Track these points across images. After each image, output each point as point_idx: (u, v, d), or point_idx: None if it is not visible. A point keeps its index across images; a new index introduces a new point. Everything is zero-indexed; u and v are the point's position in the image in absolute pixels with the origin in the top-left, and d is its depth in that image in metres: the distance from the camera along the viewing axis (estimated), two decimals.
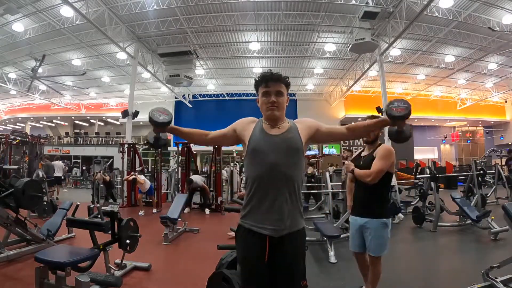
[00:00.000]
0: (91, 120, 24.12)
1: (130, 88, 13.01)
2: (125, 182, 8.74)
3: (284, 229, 1.44)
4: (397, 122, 1.49)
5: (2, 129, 24.03)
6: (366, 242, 2.36)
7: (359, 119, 21.30)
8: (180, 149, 9.55)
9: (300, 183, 1.51)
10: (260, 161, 1.46)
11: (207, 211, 7.72)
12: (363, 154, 2.54)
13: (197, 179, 7.92)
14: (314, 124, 1.60)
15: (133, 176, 7.70)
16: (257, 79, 1.56)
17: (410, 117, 1.48)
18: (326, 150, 20.26)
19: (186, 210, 7.42)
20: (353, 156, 2.69)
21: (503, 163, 12.94)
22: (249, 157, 1.51)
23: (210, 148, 9.79)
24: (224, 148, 9.22)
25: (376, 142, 2.47)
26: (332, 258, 3.78)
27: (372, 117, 2.28)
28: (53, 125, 25.00)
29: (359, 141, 21.54)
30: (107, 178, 8.77)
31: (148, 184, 7.80)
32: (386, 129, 1.66)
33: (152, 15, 10.70)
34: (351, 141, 21.33)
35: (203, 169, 14.33)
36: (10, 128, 23.16)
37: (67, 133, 22.83)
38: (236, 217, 1.61)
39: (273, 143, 1.47)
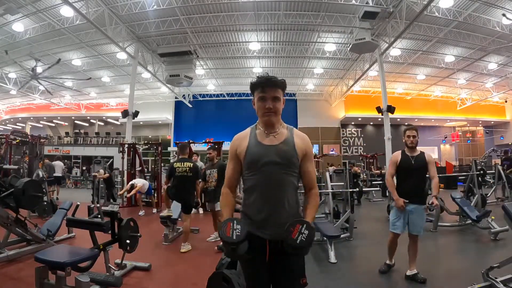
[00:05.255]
0: (91, 120, 24.12)
1: (130, 88, 13.01)
2: (125, 183, 8.72)
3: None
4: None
5: (2, 129, 23.98)
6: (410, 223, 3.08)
7: (359, 119, 21.31)
8: None
9: (297, 187, 1.53)
10: (256, 172, 1.48)
11: (200, 210, 7.66)
12: (410, 154, 3.14)
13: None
14: (309, 149, 1.57)
15: (131, 184, 7.68)
16: (253, 82, 1.55)
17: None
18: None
19: (194, 211, 7.31)
20: (399, 158, 3.18)
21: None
22: (246, 168, 1.53)
23: None
24: (224, 148, 9.22)
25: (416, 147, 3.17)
26: (332, 258, 3.77)
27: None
28: (53, 125, 24.99)
29: (356, 141, 21.56)
30: (106, 175, 8.76)
31: (146, 184, 7.82)
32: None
33: (152, 15, 10.70)
34: (350, 141, 21.36)
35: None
36: (10, 128, 23.12)
37: (67, 133, 22.81)
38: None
39: (269, 154, 1.48)
